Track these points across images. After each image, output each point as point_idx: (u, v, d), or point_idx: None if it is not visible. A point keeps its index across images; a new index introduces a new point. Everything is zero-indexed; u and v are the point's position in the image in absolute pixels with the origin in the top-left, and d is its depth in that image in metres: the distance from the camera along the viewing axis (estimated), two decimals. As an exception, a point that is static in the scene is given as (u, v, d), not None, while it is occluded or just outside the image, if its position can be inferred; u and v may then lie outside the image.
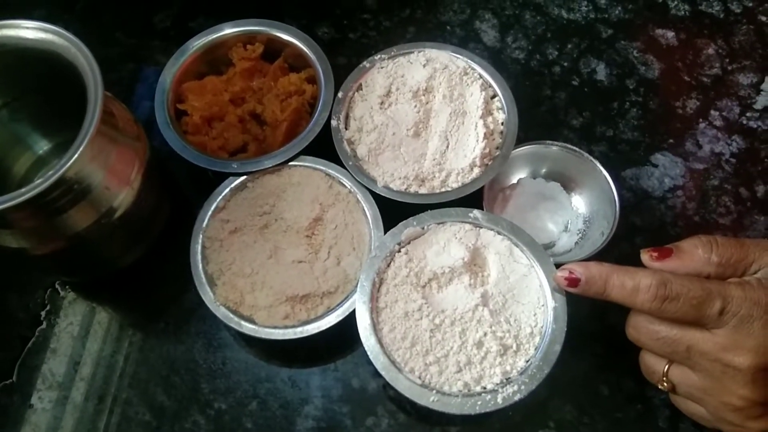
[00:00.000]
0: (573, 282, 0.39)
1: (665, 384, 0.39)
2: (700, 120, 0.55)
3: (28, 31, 0.40)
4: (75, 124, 0.37)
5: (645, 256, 0.39)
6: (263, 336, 0.43)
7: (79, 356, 0.47)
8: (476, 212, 0.44)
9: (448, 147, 0.47)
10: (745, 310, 0.35)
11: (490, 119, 0.48)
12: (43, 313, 0.48)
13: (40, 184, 0.35)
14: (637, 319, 0.39)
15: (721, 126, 0.55)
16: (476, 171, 0.46)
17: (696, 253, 0.38)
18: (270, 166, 0.47)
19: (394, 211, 0.45)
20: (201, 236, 0.45)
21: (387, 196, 0.46)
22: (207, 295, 0.44)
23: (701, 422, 0.40)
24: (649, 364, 0.40)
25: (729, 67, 0.57)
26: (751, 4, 0.60)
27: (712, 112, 0.55)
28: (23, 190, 0.35)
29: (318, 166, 0.48)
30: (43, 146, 0.50)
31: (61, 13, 0.60)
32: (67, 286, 0.49)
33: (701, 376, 0.37)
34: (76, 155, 0.36)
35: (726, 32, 0.59)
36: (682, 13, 0.60)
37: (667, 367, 0.39)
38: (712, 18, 0.60)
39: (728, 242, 0.38)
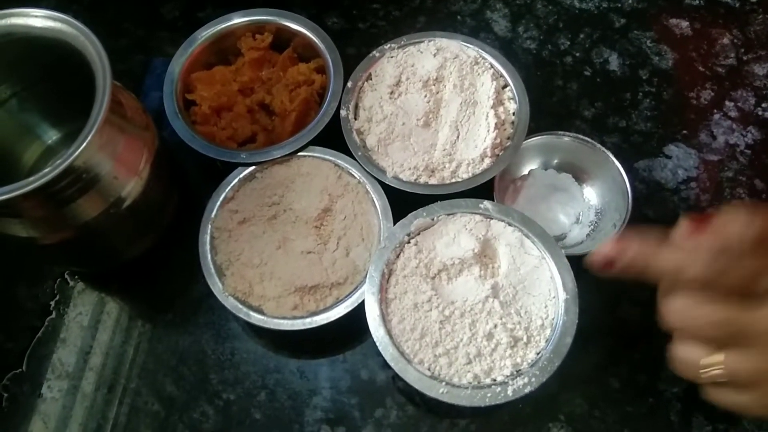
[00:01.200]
0: (610, 264, 0.35)
1: (713, 372, 0.34)
2: (715, 111, 0.54)
3: (37, 19, 0.40)
4: (84, 114, 0.37)
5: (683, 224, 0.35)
6: (272, 327, 0.42)
7: (88, 346, 0.47)
8: (487, 203, 0.44)
9: (458, 137, 0.47)
10: None
11: (501, 109, 0.47)
12: (52, 303, 0.48)
13: (48, 172, 0.35)
14: (684, 303, 0.34)
15: (736, 117, 0.54)
16: (487, 161, 0.46)
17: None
18: (279, 156, 0.47)
19: (403, 201, 0.45)
20: (210, 226, 0.45)
21: (396, 187, 0.45)
22: (216, 286, 0.43)
23: (746, 412, 0.35)
24: (688, 355, 0.35)
25: (744, 57, 0.56)
26: (767, -7, 0.59)
27: (727, 102, 0.55)
28: (32, 178, 0.35)
29: (327, 157, 0.47)
30: (52, 136, 0.50)
31: (70, 3, 0.60)
32: (76, 277, 0.49)
33: (763, 358, 0.33)
34: (84, 144, 0.35)
35: (741, 22, 0.58)
36: (697, 2, 0.59)
37: (715, 355, 0.34)
38: (727, 7, 0.59)
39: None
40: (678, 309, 0.35)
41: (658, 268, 0.34)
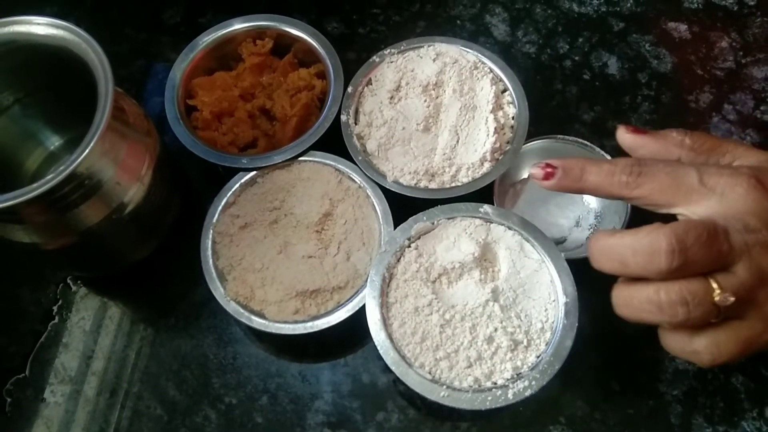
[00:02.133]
0: (549, 175, 0.37)
1: (723, 296, 0.33)
2: (714, 114, 0.54)
3: (40, 27, 0.40)
4: (86, 120, 0.37)
5: (621, 129, 0.39)
6: (273, 331, 0.43)
7: (90, 351, 0.47)
8: (486, 207, 0.44)
9: (458, 141, 0.47)
10: (726, 177, 0.34)
11: (500, 113, 0.48)
12: (55, 308, 0.48)
13: (51, 179, 0.35)
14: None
15: (735, 120, 0.54)
16: (487, 166, 0.46)
17: (669, 135, 0.37)
18: (280, 161, 0.47)
19: (403, 206, 0.45)
20: (211, 231, 0.45)
21: (397, 191, 0.46)
22: (217, 290, 0.44)
23: (698, 358, 0.34)
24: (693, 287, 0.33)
25: (743, 61, 0.57)
26: (765, -3, 0.59)
27: (726, 106, 0.55)
28: (35, 185, 0.35)
29: (327, 161, 0.48)
30: (54, 142, 0.51)
31: (72, 9, 0.61)
32: (78, 281, 0.49)
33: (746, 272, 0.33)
34: (87, 150, 0.36)
35: (740, 25, 0.58)
36: (695, 5, 0.59)
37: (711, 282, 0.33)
38: (726, 11, 0.59)
39: (703, 133, 0.38)
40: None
41: (589, 181, 0.36)
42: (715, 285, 0.32)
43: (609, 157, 0.47)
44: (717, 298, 0.32)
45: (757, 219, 0.33)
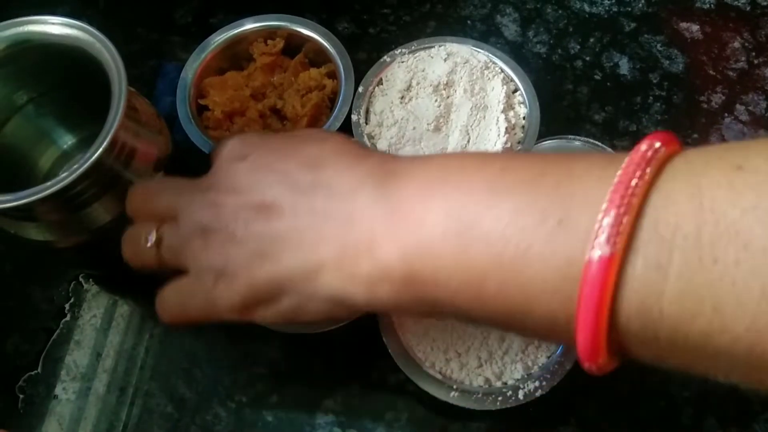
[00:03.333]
0: None
1: (151, 240, 0.36)
2: (726, 115, 0.54)
3: (54, 27, 0.40)
4: (99, 119, 0.37)
5: None
6: (283, 330, 0.43)
7: (101, 348, 0.47)
8: (497, 207, 0.44)
9: (469, 141, 0.47)
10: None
11: (511, 114, 0.48)
12: (67, 306, 0.49)
13: (65, 177, 0.35)
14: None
15: (747, 121, 0.54)
16: (497, 166, 0.46)
17: None
18: (290, 160, 0.47)
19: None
20: (222, 230, 0.45)
21: (407, 191, 0.46)
22: (228, 289, 0.44)
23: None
24: (136, 231, 0.37)
25: (755, 61, 0.56)
26: (778, -3, 0.59)
27: (738, 106, 0.54)
28: (48, 183, 0.35)
29: (338, 161, 0.48)
30: (67, 141, 0.51)
31: (84, 9, 0.61)
32: (90, 279, 0.50)
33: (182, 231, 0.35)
34: (100, 149, 0.36)
35: (752, 25, 0.58)
36: (708, 6, 0.59)
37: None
38: (738, 11, 0.59)
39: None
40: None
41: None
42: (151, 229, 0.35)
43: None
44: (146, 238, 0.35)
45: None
